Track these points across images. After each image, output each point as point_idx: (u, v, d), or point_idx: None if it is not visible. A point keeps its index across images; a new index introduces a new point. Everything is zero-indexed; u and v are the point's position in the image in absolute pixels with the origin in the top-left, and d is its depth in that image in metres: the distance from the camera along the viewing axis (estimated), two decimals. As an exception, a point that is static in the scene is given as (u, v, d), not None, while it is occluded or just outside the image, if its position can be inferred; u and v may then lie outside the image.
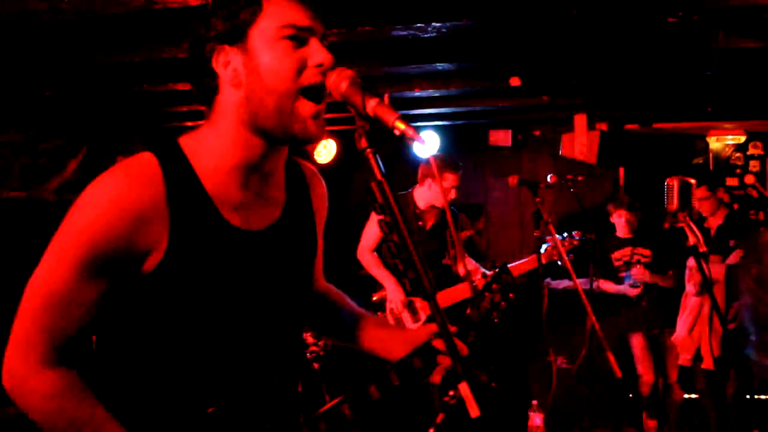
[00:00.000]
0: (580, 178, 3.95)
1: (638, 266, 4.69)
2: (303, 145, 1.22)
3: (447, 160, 3.86)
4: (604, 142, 5.63)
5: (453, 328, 1.16)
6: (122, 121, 5.37)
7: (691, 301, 4.56)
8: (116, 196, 1.10)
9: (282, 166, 1.31)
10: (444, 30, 3.11)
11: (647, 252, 4.78)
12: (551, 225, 3.24)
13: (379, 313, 3.76)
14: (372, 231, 3.92)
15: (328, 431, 1.29)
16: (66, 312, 1.11)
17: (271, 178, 1.29)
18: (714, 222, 4.73)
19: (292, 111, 1.17)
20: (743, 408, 4.42)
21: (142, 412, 1.19)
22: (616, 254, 4.87)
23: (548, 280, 5.50)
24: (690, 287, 4.53)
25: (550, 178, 3.68)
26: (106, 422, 1.13)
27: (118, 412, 1.16)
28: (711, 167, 7.10)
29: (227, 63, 1.18)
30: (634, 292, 4.69)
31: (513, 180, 3.54)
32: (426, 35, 3.18)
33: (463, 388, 1.03)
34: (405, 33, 3.14)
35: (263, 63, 1.15)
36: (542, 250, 3.55)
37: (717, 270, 4.37)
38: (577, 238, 3.62)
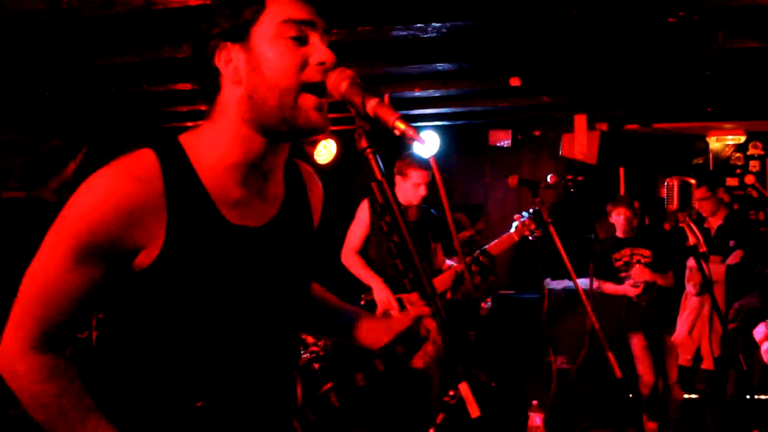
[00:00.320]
0: (580, 178, 3.95)
1: (638, 265, 4.70)
2: (309, 137, 1.22)
3: (415, 156, 3.86)
4: (604, 142, 5.64)
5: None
6: (122, 122, 5.37)
7: (691, 301, 4.56)
8: (112, 189, 1.12)
9: (281, 165, 1.32)
10: (444, 30, 3.11)
11: (647, 252, 4.78)
12: (551, 225, 3.24)
13: None
14: (357, 231, 3.92)
15: (316, 420, 1.30)
16: (57, 299, 1.14)
17: (270, 176, 1.29)
18: (714, 222, 4.73)
19: (294, 105, 1.17)
20: (743, 408, 4.42)
21: (136, 406, 1.20)
22: (616, 254, 4.87)
23: (548, 280, 5.51)
24: (690, 287, 4.53)
25: (550, 178, 3.68)
26: (91, 411, 1.15)
27: (114, 406, 1.18)
28: (711, 167, 7.10)
29: (229, 60, 1.18)
30: (634, 292, 4.69)
31: (513, 180, 3.54)
32: (426, 35, 3.18)
33: (463, 388, 1.03)
34: (405, 33, 3.14)
35: (265, 60, 1.16)
36: (512, 229, 3.64)
37: (717, 270, 4.37)
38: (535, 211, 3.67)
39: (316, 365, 3.69)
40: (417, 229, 3.99)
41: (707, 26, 3.21)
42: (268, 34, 1.16)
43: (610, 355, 2.93)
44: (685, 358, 4.56)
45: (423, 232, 4.00)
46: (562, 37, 3.65)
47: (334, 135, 6.24)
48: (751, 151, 7.07)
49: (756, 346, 3.44)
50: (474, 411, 1.03)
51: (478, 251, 3.64)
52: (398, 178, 3.87)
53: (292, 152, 1.33)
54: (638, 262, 4.76)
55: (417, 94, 4.78)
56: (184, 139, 1.22)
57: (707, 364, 4.40)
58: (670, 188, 2.68)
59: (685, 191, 2.67)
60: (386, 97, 4.72)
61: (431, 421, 3.89)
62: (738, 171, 7.10)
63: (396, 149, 3.92)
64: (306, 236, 1.40)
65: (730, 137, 6.79)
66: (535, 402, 4.68)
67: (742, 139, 6.82)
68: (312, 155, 6.30)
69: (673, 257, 4.67)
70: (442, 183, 1.16)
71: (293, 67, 1.16)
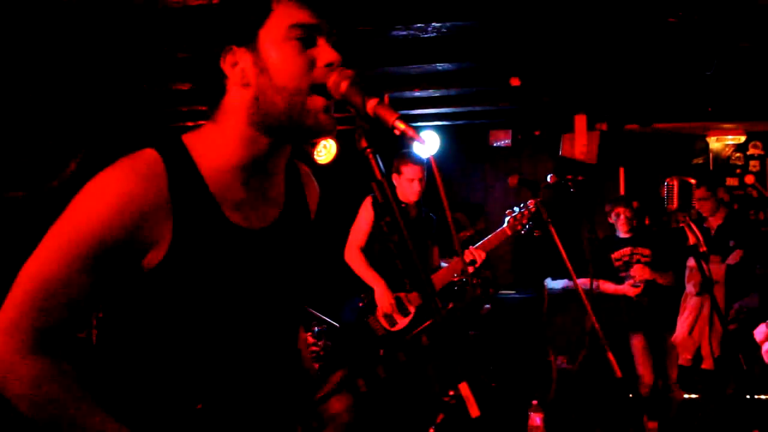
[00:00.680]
0: (580, 178, 3.95)
1: (638, 264, 4.70)
2: (316, 138, 1.23)
3: (408, 153, 3.87)
4: (604, 142, 5.64)
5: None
6: (122, 121, 5.38)
7: (691, 302, 4.56)
8: (121, 190, 1.11)
9: (283, 166, 1.32)
10: (444, 30, 3.12)
11: (647, 252, 4.78)
12: (551, 225, 3.24)
13: (369, 316, 3.75)
14: (361, 227, 3.91)
15: (318, 428, 1.30)
16: (58, 302, 1.11)
17: (273, 177, 1.30)
18: (714, 222, 4.74)
19: (302, 107, 1.18)
20: (743, 408, 4.42)
21: (136, 406, 1.19)
22: (616, 254, 4.87)
23: (548, 280, 5.51)
24: (690, 287, 4.53)
25: (550, 178, 3.68)
26: (95, 410, 1.13)
27: (114, 405, 1.16)
28: (711, 167, 7.10)
29: (235, 63, 1.18)
30: (634, 291, 4.69)
31: (513, 180, 3.54)
32: (426, 35, 3.19)
33: (463, 388, 1.03)
34: (405, 33, 3.15)
35: (273, 63, 1.17)
36: (504, 224, 3.64)
37: (717, 270, 4.37)
38: (532, 206, 3.66)
39: (316, 365, 3.69)
40: (416, 230, 3.99)
41: (707, 26, 3.21)
42: (276, 37, 1.16)
43: (610, 355, 2.93)
44: (685, 358, 4.56)
45: (422, 232, 4.01)
46: (562, 37, 3.65)
47: (334, 135, 6.23)
48: (751, 151, 7.07)
49: (756, 346, 3.44)
50: (474, 411, 1.03)
51: (480, 264, 3.65)
52: (394, 176, 3.89)
53: (292, 152, 1.33)
54: (638, 261, 4.76)
55: (417, 94, 4.79)
56: (187, 139, 1.22)
57: (707, 364, 4.40)
58: (670, 188, 2.68)
59: (685, 191, 2.67)
60: (386, 97, 4.72)
61: (431, 421, 3.89)
62: (738, 171, 7.10)
63: (396, 149, 3.93)
64: (306, 237, 1.40)
65: (730, 137, 6.78)
66: (535, 402, 4.68)
67: (742, 139, 6.81)
68: (312, 155, 6.30)
69: (673, 256, 4.68)
70: (442, 183, 1.16)
71: (302, 69, 1.17)
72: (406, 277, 1.07)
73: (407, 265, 1.06)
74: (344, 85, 1.13)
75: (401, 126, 1.05)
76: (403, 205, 3.99)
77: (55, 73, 3.95)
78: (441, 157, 6.30)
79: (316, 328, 4.54)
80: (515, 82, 4.28)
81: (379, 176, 1.08)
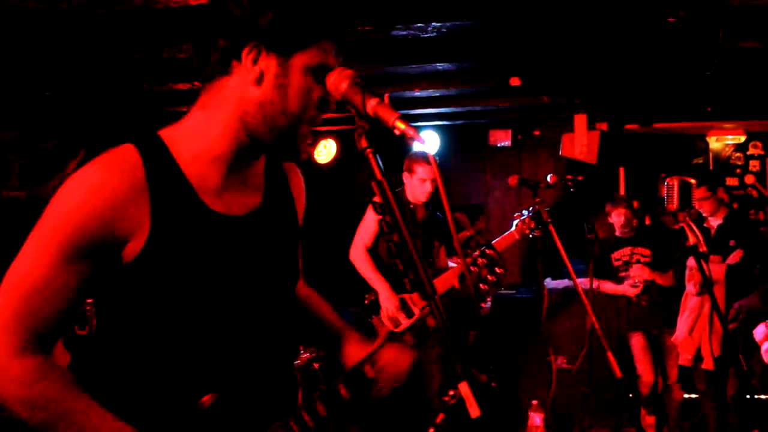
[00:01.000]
0: (580, 178, 3.95)
1: (637, 264, 4.70)
2: (287, 158, 1.35)
3: (421, 153, 3.86)
4: (604, 142, 5.63)
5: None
6: (122, 121, 5.37)
7: (691, 301, 4.56)
8: (97, 183, 1.12)
9: (263, 156, 1.34)
10: (444, 30, 3.11)
11: (647, 251, 4.78)
12: (551, 225, 3.24)
13: (373, 316, 3.75)
14: (369, 227, 3.90)
15: (315, 426, 1.30)
16: (47, 299, 1.12)
17: (252, 167, 1.32)
18: (714, 222, 4.73)
19: (296, 132, 1.24)
20: (743, 408, 4.42)
21: (130, 401, 1.19)
22: (616, 254, 4.87)
23: (548, 280, 5.51)
24: (690, 287, 4.53)
25: (550, 178, 3.68)
26: (92, 406, 1.13)
27: (108, 401, 1.16)
28: (711, 167, 7.10)
29: (256, 60, 1.19)
30: (634, 291, 4.69)
31: (513, 180, 3.54)
32: (426, 35, 3.18)
33: (463, 388, 1.03)
34: (405, 33, 3.14)
35: (294, 86, 1.20)
36: (513, 228, 3.62)
37: (717, 270, 4.37)
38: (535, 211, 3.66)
39: (316, 365, 3.68)
40: (424, 229, 3.99)
41: (707, 26, 3.21)
42: (305, 65, 1.20)
43: (610, 355, 2.93)
44: (685, 358, 4.55)
45: (430, 232, 4.01)
46: (563, 37, 3.65)
47: (334, 135, 6.24)
48: (751, 151, 7.07)
49: (756, 346, 3.44)
50: (474, 411, 1.03)
51: (484, 245, 3.64)
52: (406, 175, 3.89)
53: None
54: (638, 261, 4.76)
55: (417, 94, 4.78)
56: (163, 133, 1.24)
57: (707, 364, 4.40)
58: (670, 188, 2.68)
59: (685, 191, 2.67)
60: (386, 97, 4.72)
61: (431, 421, 3.89)
62: (738, 171, 7.11)
63: (396, 149, 3.93)
64: (290, 227, 1.41)
65: (730, 137, 6.79)
66: (535, 402, 4.68)
67: (742, 139, 6.81)
68: (312, 155, 6.30)
69: (673, 257, 4.68)
70: (442, 183, 1.16)
71: (312, 102, 1.23)
72: (405, 277, 1.07)
73: (407, 265, 1.06)
74: (344, 85, 1.14)
75: (401, 126, 1.06)
76: (411, 206, 4.02)
77: (55, 73, 3.95)
78: (441, 157, 6.30)
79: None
80: (515, 81, 4.27)
81: (379, 176, 1.08)
